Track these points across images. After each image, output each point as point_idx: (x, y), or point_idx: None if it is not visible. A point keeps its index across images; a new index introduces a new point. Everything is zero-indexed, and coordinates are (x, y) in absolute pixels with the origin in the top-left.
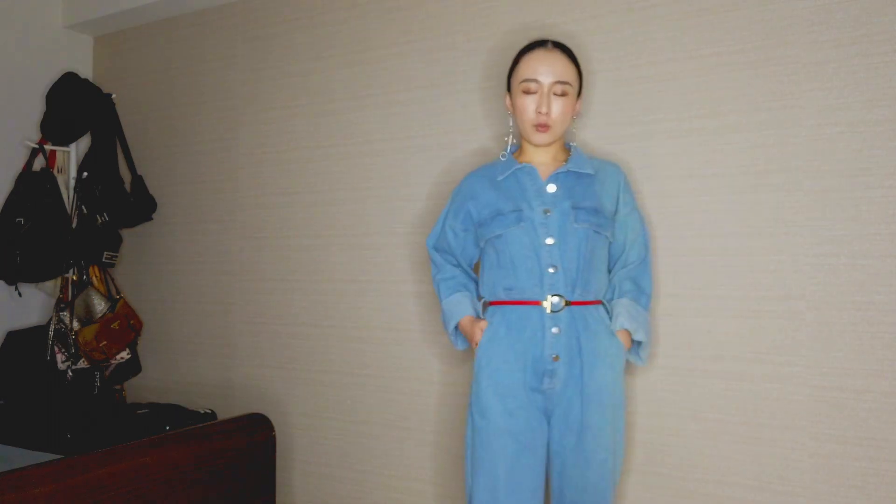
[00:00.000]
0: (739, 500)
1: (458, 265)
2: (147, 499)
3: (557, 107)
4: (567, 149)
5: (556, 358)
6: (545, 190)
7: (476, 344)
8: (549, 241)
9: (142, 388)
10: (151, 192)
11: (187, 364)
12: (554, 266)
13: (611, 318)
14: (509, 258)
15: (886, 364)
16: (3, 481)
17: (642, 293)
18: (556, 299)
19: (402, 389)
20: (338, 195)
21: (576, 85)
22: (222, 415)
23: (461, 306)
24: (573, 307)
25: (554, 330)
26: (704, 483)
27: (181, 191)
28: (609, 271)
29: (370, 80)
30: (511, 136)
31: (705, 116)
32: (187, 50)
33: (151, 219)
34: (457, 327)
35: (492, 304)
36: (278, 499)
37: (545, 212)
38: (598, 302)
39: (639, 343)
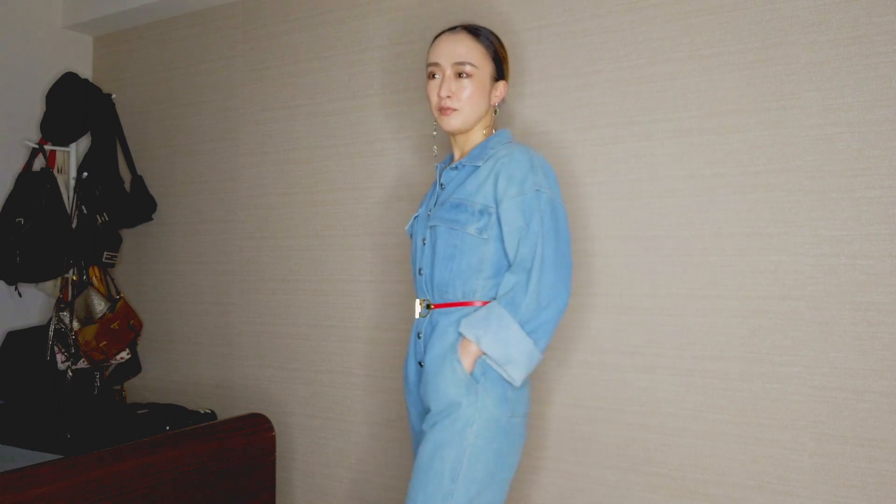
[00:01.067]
0: (739, 500)
1: None
2: (147, 499)
3: (461, 89)
4: (492, 138)
5: (422, 364)
6: (438, 188)
7: None
8: (423, 242)
9: (142, 388)
10: (151, 192)
11: (187, 364)
12: (420, 268)
13: None
14: (412, 262)
15: (886, 364)
16: (3, 481)
17: (514, 306)
18: (424, 304)
19: (401, 389)
20: (338, 195)
21: (484, 67)
22: (222, 415)
23: None
24: (436, 310)
25: (417, 335)
26: (704, 483)
27: (181, 191)
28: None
29: (370, 81)
30: (436, 130)
31: (705, 116)
32: (187, 50)
33: (151, 219)
34: None
35: None
36: (278, 499)
37: (428, 213)
38: (467, 304)
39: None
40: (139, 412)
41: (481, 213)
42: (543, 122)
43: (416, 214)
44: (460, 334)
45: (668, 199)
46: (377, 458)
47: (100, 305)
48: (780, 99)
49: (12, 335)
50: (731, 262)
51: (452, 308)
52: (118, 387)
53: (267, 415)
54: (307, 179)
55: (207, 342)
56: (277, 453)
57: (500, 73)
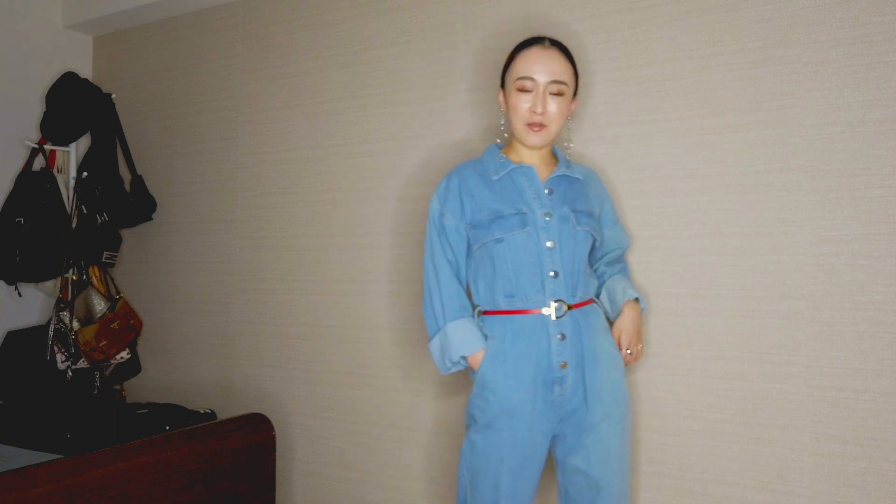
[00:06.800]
0: (739, 500)
1: (457, 274)
2: (147, 498)
3: (553, 106)
4: (553, 153)
5: (564, 365)
6: (544, 193)
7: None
8: (550, 244)
9: (142, 388)
10: (151, 192)
11: (187, 364)
12: (555, 271)
13: (609, 300)
14: (511, 264)
15: (886, 364)
16: (3, 481)
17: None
18: (558, 305)
19: (402, 389)
20: (338, 195)
21: (572, 85)
22: (222, 415)
23: (473, 337)
24: (574, 311)
25: (559, 336)
26: (704, 483)
27: (181, 191)
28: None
29: (369, 80)
30: (506, 134)
31: (705, 116)
32: (187, 50)
33: (151, 219)
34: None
35: (488, 313)
36: (278, 499)
37: (546, 215)
38: (592, 301)
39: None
40: (139, 412)
41: (599, 222)
42: None
43: (515, 214)
44: (606, 327)
45: (668, 199)
46: (377, 458)
47: (100, 305)
48: (780, 99)
49: (12, 335)
50: (731, 262)
51: (590, 305)
52: (118, 387)
53: (267, 415)
54: (307, 179)
55: (207, 342)
56: (277, 453)
57: (576, 89)
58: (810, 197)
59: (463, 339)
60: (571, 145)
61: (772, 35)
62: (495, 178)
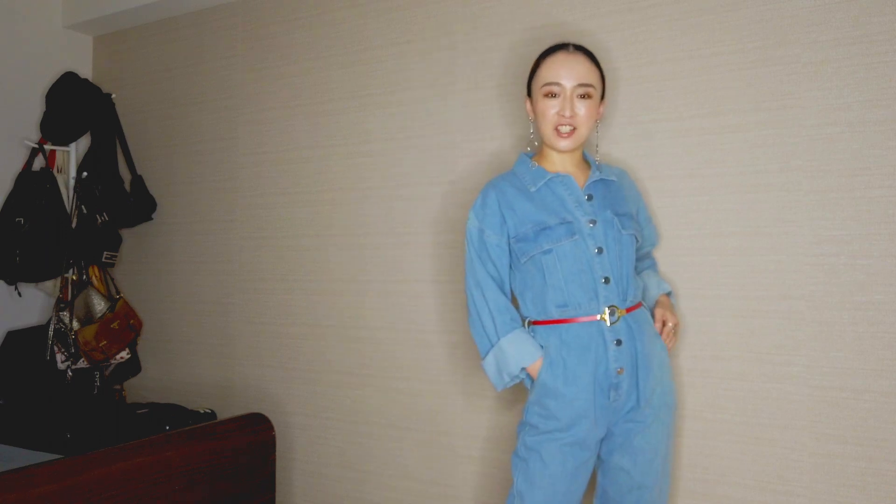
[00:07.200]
0: (739, 500)
1: (502, 289)
2: (147, 498)
3: (581, 109)
4: (584, 157)
5: (621, 371)
6: (584, 200)
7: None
8: (598, 251)
9: (142, 388)
10: (151, 192)
11: (187, 364)
12: (606, 276)
13: (643, 294)
14: (561, 274)
15: (886, 364)
16: (3, 481)
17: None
18: (612, 311)
19: (402, 389)
20: (337, 195)
21: (599, 88)
22: (222, 415)
23: (530, 346)
24: (626, 316)
25: (615, 342)
26: (704, 483)
27: (181, 191)
28: None
29: (370, 80)
30: (535, 143)
31: (705, 116)
32: (187, 50)
33: (151, 219)
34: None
35: (538, 323)
36: (278, 499)
37: (590, 222)
38: (640, 304)
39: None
40: (139, 412)
41: (638, 222)
42: None
43: (561, 224)
44: (655, 329)
45: (668, 199)
46: (377, 458)
47: (99, 305)
48: (780, 99)
49: (12, 335)
50: (731, 262)
51: (639, 308)
52: (118, 387)
53: (267, 415)
54: (307, 179)
55: (207, 342)
56: (277, 453)
57: (603, 93)
58: (810, 197)
59: (520, 351)
60: (597, 148)
61: (772, 35)
62: (533, 189)
